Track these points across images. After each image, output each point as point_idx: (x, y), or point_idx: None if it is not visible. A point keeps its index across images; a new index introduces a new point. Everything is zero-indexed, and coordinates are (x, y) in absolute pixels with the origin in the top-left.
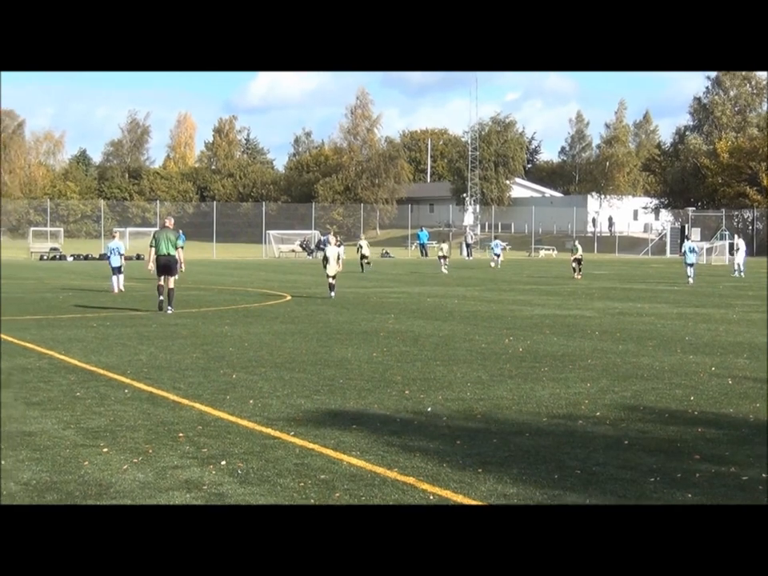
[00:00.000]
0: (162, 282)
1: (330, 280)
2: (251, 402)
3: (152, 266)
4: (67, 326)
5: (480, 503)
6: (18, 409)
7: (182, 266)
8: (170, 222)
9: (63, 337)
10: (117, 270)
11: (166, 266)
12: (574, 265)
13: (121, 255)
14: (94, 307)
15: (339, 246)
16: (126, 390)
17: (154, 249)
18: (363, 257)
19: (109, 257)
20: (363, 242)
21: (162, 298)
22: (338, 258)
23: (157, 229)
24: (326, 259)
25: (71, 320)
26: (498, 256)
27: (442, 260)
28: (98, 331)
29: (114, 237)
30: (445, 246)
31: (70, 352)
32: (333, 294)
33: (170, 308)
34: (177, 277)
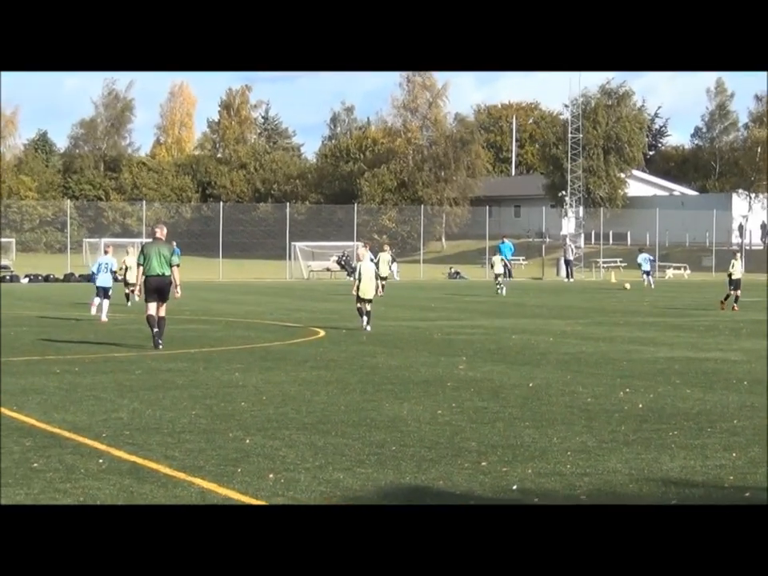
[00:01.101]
0: (152, 311)
1: (366, 306)
2: (271, 476)
3: (140, 291)
4: (21, 373)
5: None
6: None
7: (178, 289)
8: (161, 232)
9: (15, 387)
10: (104, 293)
11: (159, 290)
12: (730, 291)
13: (113, 273)
14: (57, 345)
15: (393, 261)
16: (101, 460)
17: (143, 267)
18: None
19: (95, 275)
20: (385, 255)
21: (156, 329)
22: (376, 277)
23: (146, 241)
24: (359, 278)
25: (26, 364)
26: (648, 273)
27: (499, 278)
28: (63, 379)
29: (106, 252)
30: (497, 258)
31: (24, 407)
32: (368, 325)
33: (160, 342)
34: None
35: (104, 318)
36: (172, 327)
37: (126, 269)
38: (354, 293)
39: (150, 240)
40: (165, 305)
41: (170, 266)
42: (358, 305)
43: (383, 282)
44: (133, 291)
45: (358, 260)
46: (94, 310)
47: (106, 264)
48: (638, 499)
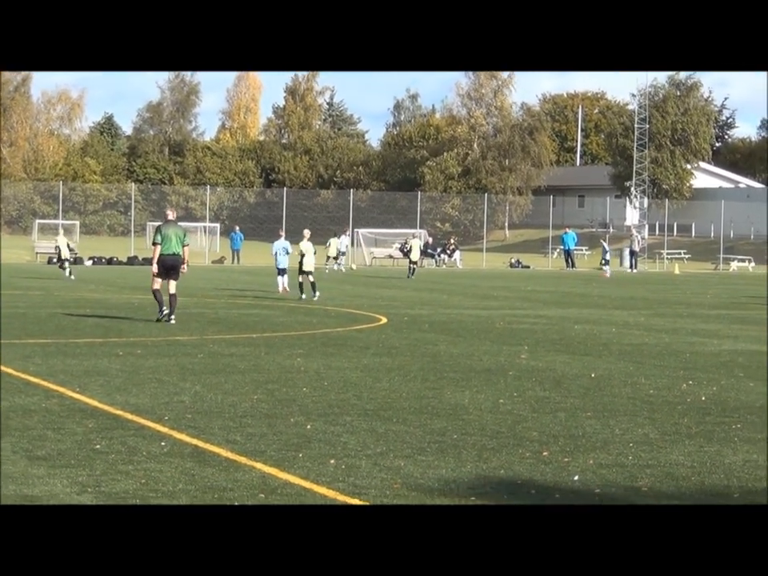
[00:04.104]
0: (158, 286)
1: (309, 277)
2: (332, 462)
3: (157, 267)
4: (84, 354)
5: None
6: (16, 465)
7: (186, 266)
8: (173, 215)
9: (79, 369)
10: (283, 272)
11: (173, 268)
12: None
13: (288, 254)
14: (120, 327)
15: (454, 250)
16: (163, 443)
17: (160, 246)
18: (334, 257)
19: (276, 258)
20: (335, 240)
21: (165, 309)
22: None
23: (160, 223)
24: (301, 255)
25: (89, 346)
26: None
27: (334, 260)
28: (126, 362)
29: (279, 236)
30: (337, 240)
31: (87, 389)
32: (316, 296)
33: (173, 318)
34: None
35: (284, 287)
36: (234, 312)
37: (60, 248)
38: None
39: (164, 222)
40: (175, 283)
41: (183, 245)
42: (300, 278)
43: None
44: (62, 266)
45: (304, 238)
46: (281, 289)
47: (284, 248)
48: (699, 492)
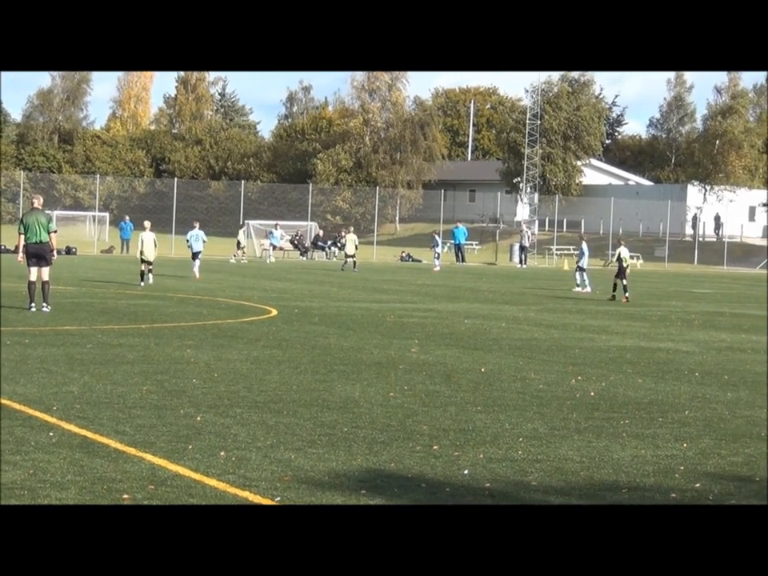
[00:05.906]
0: (33, 278)
1: (149, 266)
2: (222, 454)
3: (22, 256)
4: None
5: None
6: None
7: (54, 253)
8: (38, 202)
9: None
10: (196, 256)
11: (39, 255)
12: (616, 281)
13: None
14: (7, 316)
15: (345, 242)
16: (51, 433)
17: (23, 236)
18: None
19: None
20: (351, 235)
21: (34, 303)
22: (155, 245)
23: (28, 211)
24: (142, 244)
25: None
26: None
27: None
28: (13, 351)
29: (195, 226)
30: (353, 237)
31: None
32: (150, 280)
33: (45, 306)
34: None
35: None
36: (123, 302)
37: None
38: (139, 256)
39: (29, 210)
40: (47, 269)
41: (48, 232)
42: (142, 267)
43: (355, 260)
44: None
45: (146, 229)
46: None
47: (197, 235)
48: (588, 487)
